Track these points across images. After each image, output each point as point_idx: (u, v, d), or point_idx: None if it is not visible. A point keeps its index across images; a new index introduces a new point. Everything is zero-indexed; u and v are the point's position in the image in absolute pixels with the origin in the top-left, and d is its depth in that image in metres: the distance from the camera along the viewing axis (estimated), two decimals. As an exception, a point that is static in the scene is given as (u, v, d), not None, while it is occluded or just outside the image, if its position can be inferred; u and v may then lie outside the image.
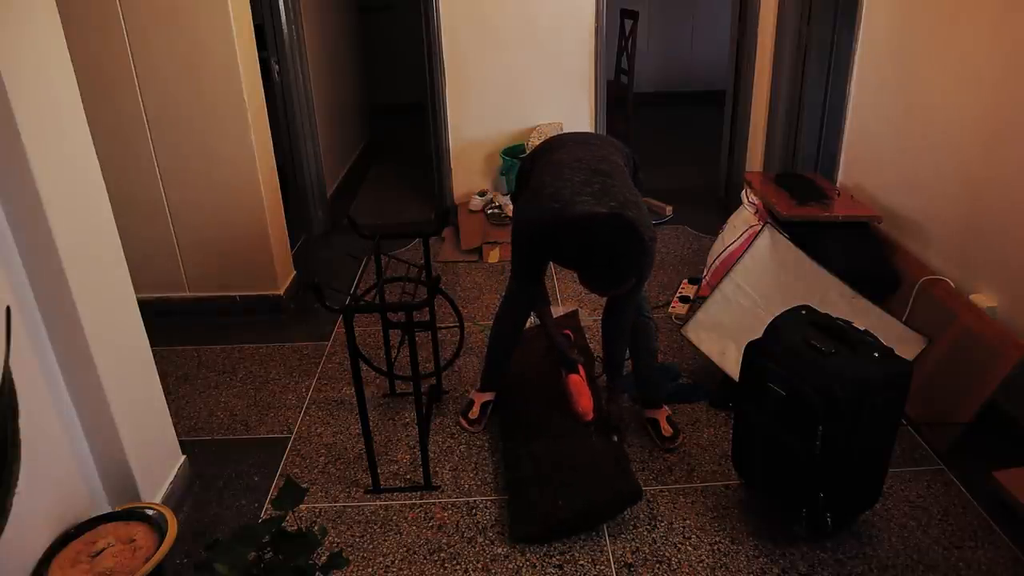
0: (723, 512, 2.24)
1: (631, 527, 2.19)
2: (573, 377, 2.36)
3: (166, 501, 2.23)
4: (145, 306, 2.23)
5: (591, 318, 3.30)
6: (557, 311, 3.40)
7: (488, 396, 2.68)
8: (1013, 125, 2.45)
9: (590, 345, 2.96)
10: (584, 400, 2.33)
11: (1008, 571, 2.01)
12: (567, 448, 2.32)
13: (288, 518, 1.70)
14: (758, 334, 2.11)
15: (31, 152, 1.71)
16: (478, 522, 2.23)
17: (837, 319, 2.06)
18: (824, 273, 2.70)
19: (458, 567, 2.08)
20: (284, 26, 3.90)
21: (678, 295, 3.50)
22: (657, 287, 3.62)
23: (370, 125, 6.33)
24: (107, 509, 2.05)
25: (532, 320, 3.31)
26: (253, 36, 3.21)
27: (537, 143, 3.91)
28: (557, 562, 2.08)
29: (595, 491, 2.16)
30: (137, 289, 2.18)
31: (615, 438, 2.37)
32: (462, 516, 2.26)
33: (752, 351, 2.10)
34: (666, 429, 2.53)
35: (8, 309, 1.58)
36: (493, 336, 2.62)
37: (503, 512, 2.26)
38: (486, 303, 3.55)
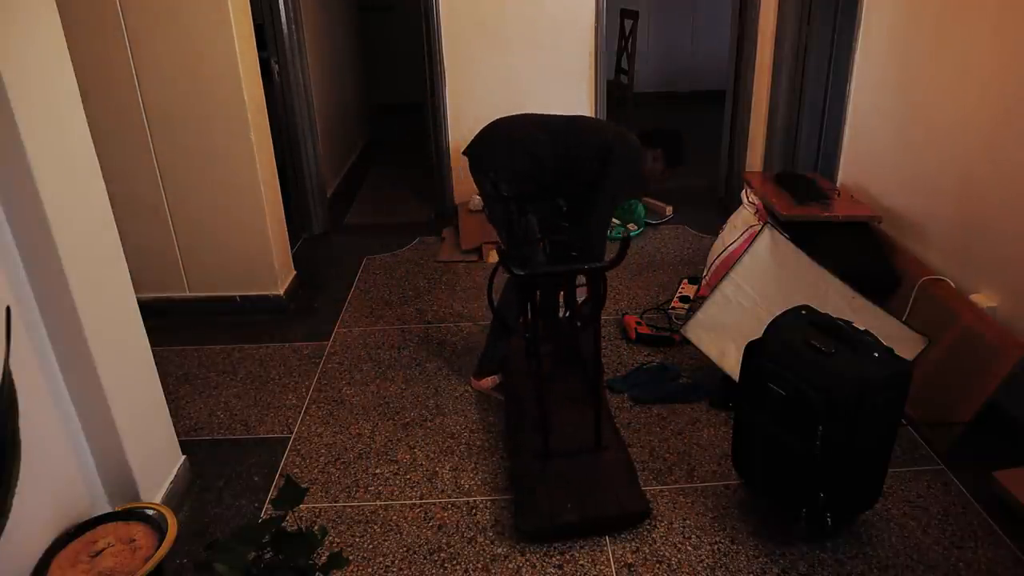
0: (723, 512, 2.24)
1: (631, 527, 2.19)
2: None
3: (166, 501, 2.23)
4: (145, 306, 2.23)
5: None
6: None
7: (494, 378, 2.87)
8: (1013, 125, 2.44)
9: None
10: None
11: (1008, 571, 2.01)
12: (577, 450, 2.32)
13: (288, 518, 1.70)
14: (758, 334, 2.11)
15: (31, 152, 1.71)
16: (478, 522, 2.23)
17: (837, 319, 2.06)
18: (824, 273, 2.70)
19: (458, 567, 2.08)
20: (284, 26, 3.90)
21: (678, 295, 3.50)
22: (657, 287, 3.62)
23: (370, 125, 6.34)
24: (107, 509, 2.05)
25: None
26: (253, 36, 3.21)
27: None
28: (557, 562, 2.08)
29: (604, 504, 2.16)
30: (137, 289, 2.18)
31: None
32: (462, 516, 2.26)
33: (752, 351, 2.10)
34: None
35: (8, 309, 1.58)
36: (498, 324, 2.78)
37: (503, 512, 2.26)
38: (486, 303, 3.54)
